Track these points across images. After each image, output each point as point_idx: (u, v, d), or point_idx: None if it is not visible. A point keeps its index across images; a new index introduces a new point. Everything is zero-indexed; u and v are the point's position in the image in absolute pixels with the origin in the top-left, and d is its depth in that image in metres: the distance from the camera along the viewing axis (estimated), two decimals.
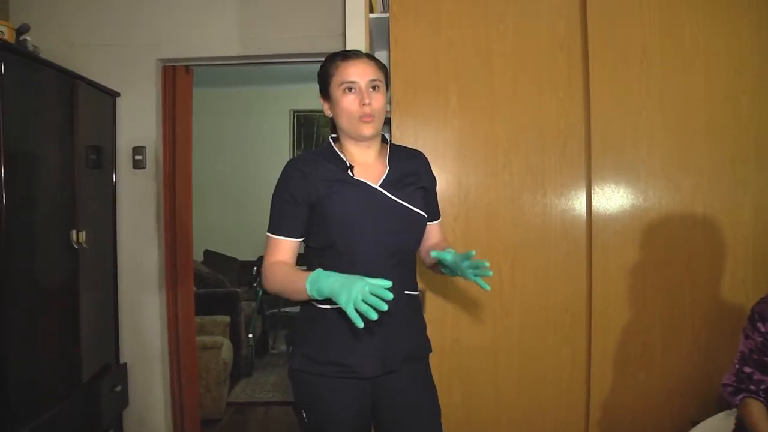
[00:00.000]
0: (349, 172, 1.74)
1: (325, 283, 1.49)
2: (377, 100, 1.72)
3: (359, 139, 1.76)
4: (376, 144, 1.82)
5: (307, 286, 1.53)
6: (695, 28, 2.37)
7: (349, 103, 1.71)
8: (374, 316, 1.39)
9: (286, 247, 1.74)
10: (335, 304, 1.68)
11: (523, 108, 2.44)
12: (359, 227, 1.69)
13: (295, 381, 1.80)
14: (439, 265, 1.79)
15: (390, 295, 1.42)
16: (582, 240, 2.43)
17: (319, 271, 1.54)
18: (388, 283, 1.43)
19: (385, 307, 1.40)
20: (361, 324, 1.40)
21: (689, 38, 2.38)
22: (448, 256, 1.69)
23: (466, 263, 1.64)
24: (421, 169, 1.86)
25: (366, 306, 1.40)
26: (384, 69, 1.79)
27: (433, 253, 1.73)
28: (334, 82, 1.73)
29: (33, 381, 2.53)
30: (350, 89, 1.71)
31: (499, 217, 2.45)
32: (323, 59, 1.80)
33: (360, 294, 1.41)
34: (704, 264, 2.38)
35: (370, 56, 1.78)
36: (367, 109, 1.70)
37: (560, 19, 2.43)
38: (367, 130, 1.72)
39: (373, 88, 1.72)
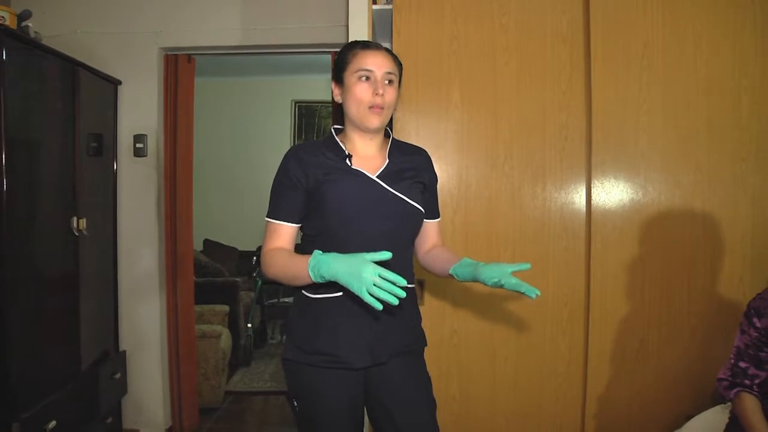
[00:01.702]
0: (347, 161, 1.74)
1: (326, 268, 1.50)
2: (389, 94, 1.73)
3: (364, 129, 1.76)
4: (379, 137, 1.83)
5: (310, 272, 1.54)
6: (697, 25, 2.37)
7: (362, 91, 1.72)
8: (394, 301, 1.42)
9: (284, 233, 1.75)
10: (326, 293, 1.71)
11: (525, 101, 2.44)
12: (354, 215, 1.69)
13: (287, 370, 1.81)
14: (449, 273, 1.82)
15: (404, 281, 1.44)
16: (581, 234, 2.44)
17: (317, 254, 1.54)
18: (402, 281, 1.44)
19: (402, 294, 1.43)
20: (379, 306, 1.42)
21: (691, 35, 2.38)
22: (482, 273, 1.70)
23: (513, 282, 1.66)
24: (422, 166, 1.86)
25: (383, 292, 1.42)
26: (400, 65, 1.81)
27: (452, 271, 1.78)
28: (350, 69, 1.73)
29: (33, 367, 2.55)
30: (366, 78, 1.72)
31: (499, 209, 2.45)
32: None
33: (371, 279, 1.42)
34: (702, 260, 2.39)
35: (389, 50, 1.79)
36: (378, 100, 1.70)
37: (563, 13, 2.43)
38: (374, 121, 1.73)
39: (388, 81, 1.73)
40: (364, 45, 1.76)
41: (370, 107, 1.71)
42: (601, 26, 2.40)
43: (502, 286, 1.66)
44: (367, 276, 1.42)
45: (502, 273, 1.67)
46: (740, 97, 2.37)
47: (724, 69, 2.37)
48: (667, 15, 2.38)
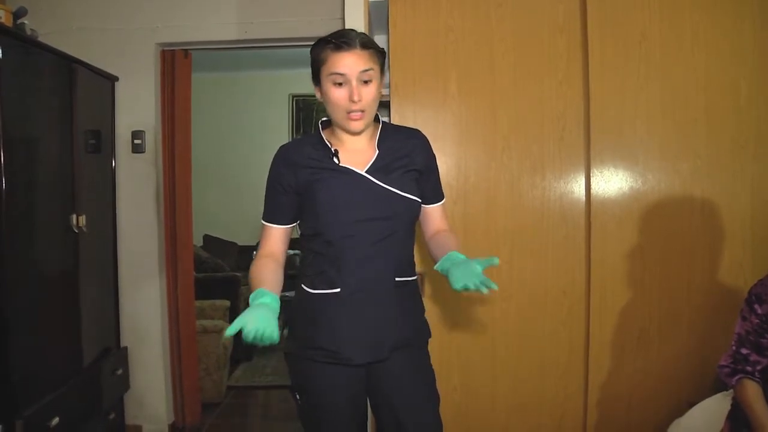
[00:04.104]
0: (334, 159, 1.71)
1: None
2: (368, 94, 1.64)
3: (348, 132, 1.73)
4: (368, 128, 1.77)
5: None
6: (695, 13, 2.37)
7: (337, 97, 1.64)
8: (255, 339, 1.45)
9: (277, 234, 1.78)
10: (324, 289, 1.71)
11: (522, 92, 2.44)
12: (345, 215, 1.67)
13: (290, 364, 1.81)
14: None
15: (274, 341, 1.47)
16: (581, 223, 2.44)
17: (251, 299, 1.57)
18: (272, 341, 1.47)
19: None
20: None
21: (689, 23, 2.37)
22: (446, 267, 1.69)
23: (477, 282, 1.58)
24: (416, 151, 1.79)
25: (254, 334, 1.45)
26: (379, 55, 1.69)
27: (436, 267, 1.75)
28: (324, 71, 1.65)
29: (34, 364, 2.55)
30: (339, 83, 1.63)
31: (498, 200, 2.45)
32: None
33: (248, 337, 1.45)
34: (702, 247, 2.39)
35: (364, 44, 1.64)
36: (355, 106, 1.63)
37: (559, 3, 2.43)
38: (355, 125, 1.68)
39: (366, 81, 1.64)
40: (334, 46, 1.63)
41: (348, 113, 1.65)
42: (598, 16, 2.39)
43: (467, 289, 1.58)
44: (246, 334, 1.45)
45: (469, 276, 1.58)
46: (738, 85, 2.36)
47: (723, 57, 2.37)
48: (665, 3, 2.38)
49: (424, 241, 1.92)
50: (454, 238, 1.85)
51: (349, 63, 1.62)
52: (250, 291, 1.65)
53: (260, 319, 1.46)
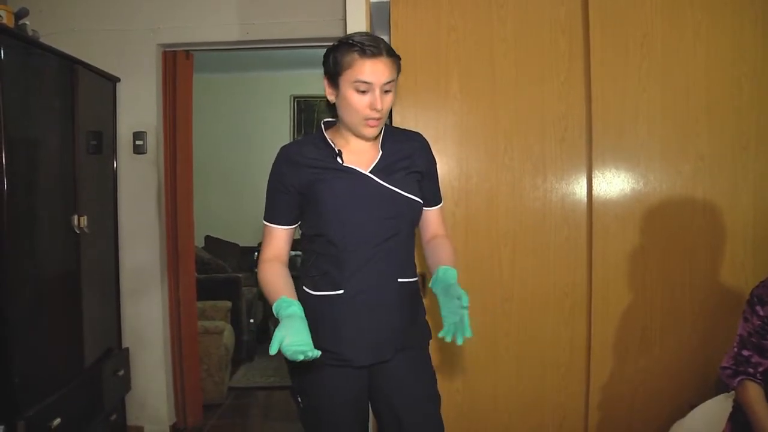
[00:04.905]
0: (338, 159, 1.70)
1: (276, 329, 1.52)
2: (388, 103, 1.65)
3: (360, 137, 1.72)
4: None
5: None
6: (697, 12, 2.36)
7: (359, 103, 1.62)
8: (300, 357, 1.45)
9: (279, 235, 1.76)
10: (327, 291, 1.71)
11: (524, 92, 2.44)
12: (349, 215, 1.67)
13: (290, 365, 1.78)
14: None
15: (315, 354, 1.47)
16: (582, 224, 2.43)
17: (276, 308, 1.59)
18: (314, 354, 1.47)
19: (316, 354, 1.48)
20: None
21: (691, 22, 2.37)
22: (439, 288, 1.73)
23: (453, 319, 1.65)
24: (417, 153, 1.79)
25: (298, 355, 1.45)
26: (399, 62, 1.68)
27: (430, 286, 1.77)
28: (347, 76, 1.61)
29: (36, 365, 2.55)
30: (363, 90, 1.61)
31: (499, 201, 2.45)
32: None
33: (288, 353, 1.46)
34: (704, 248, 2.39)
35: (389, 51, 1.64)
36: (375, 114, 1.63)
37: (561, 4, 2.42)
38: (371, 132, 1.68)
39: (386, 90, 1.63)
40: (362, 51, 1.59)
41: (366, 120, 1.64)
42: (600, 16, 2.39)
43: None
44: (287, 352, 1.46)
45: (450, 312, 1.66)
46: (740, 85, 2.36)
47: (724, 56, 2.36)
48: (666, 3, 2.37)
49: (422, 242, 1.92)
50: (450, 246, 1.86)
51: (377, 71, 1.60)
52: (268, 298, 1.68)
53: (295, 333, 1.49)
